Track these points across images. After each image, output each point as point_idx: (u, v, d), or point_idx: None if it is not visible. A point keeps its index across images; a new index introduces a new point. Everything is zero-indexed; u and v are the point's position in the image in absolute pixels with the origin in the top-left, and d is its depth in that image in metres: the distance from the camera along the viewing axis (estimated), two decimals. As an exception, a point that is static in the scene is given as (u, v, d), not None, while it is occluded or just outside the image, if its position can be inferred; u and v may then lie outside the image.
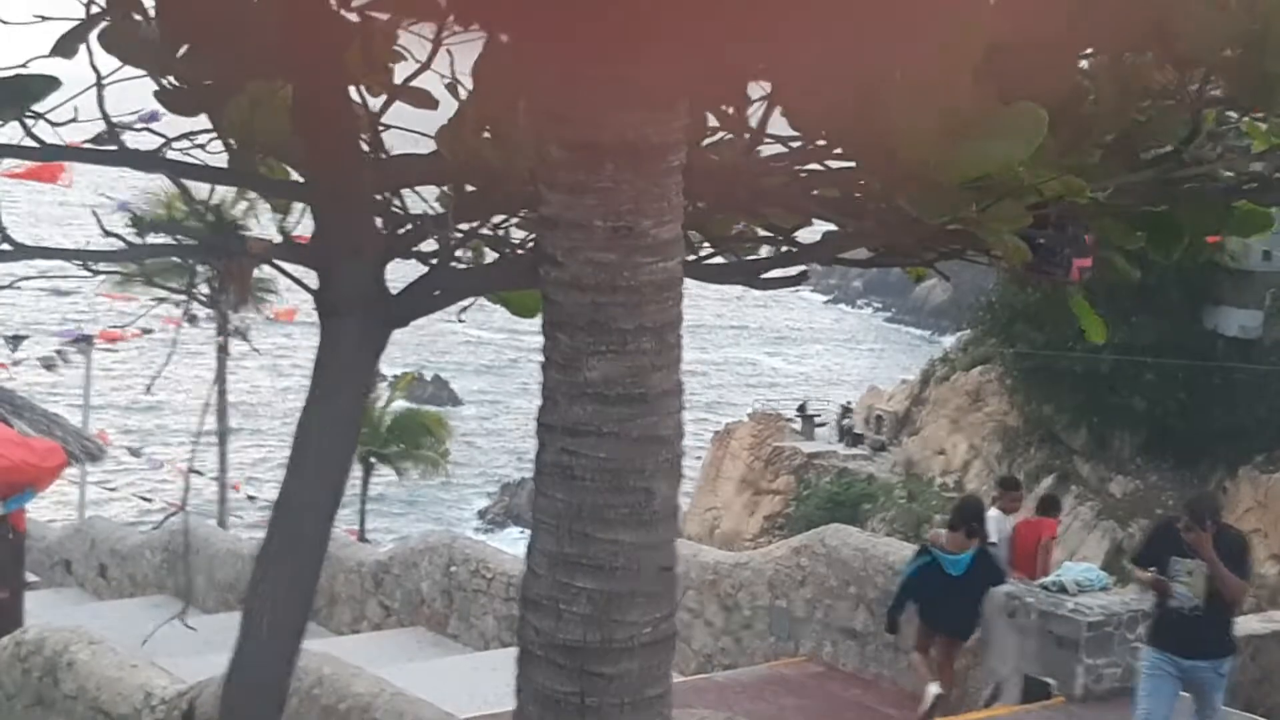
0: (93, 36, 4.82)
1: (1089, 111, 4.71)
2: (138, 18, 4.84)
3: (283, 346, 69.77)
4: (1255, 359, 37.53)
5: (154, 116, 5.25)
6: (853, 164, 5.07)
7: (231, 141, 5.28)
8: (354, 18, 4.85)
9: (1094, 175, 4.90)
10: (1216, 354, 37.84)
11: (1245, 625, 12.41)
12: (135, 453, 30.84)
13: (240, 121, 5.24)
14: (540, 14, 3.82)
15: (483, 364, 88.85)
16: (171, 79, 4.98)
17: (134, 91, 5.25)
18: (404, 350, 69.45)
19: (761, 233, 5.83)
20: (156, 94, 4.99)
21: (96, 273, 6.04)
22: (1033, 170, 4.64)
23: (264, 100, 5.25)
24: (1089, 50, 4.85)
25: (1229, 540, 9.42)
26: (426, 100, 5.15)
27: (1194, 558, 9.04)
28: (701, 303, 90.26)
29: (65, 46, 4.69)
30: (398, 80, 5.19)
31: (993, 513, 12.87)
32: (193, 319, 24.77)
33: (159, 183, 23.13)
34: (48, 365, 28.89)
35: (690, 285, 5.27)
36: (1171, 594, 9.15)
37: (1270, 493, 36.52)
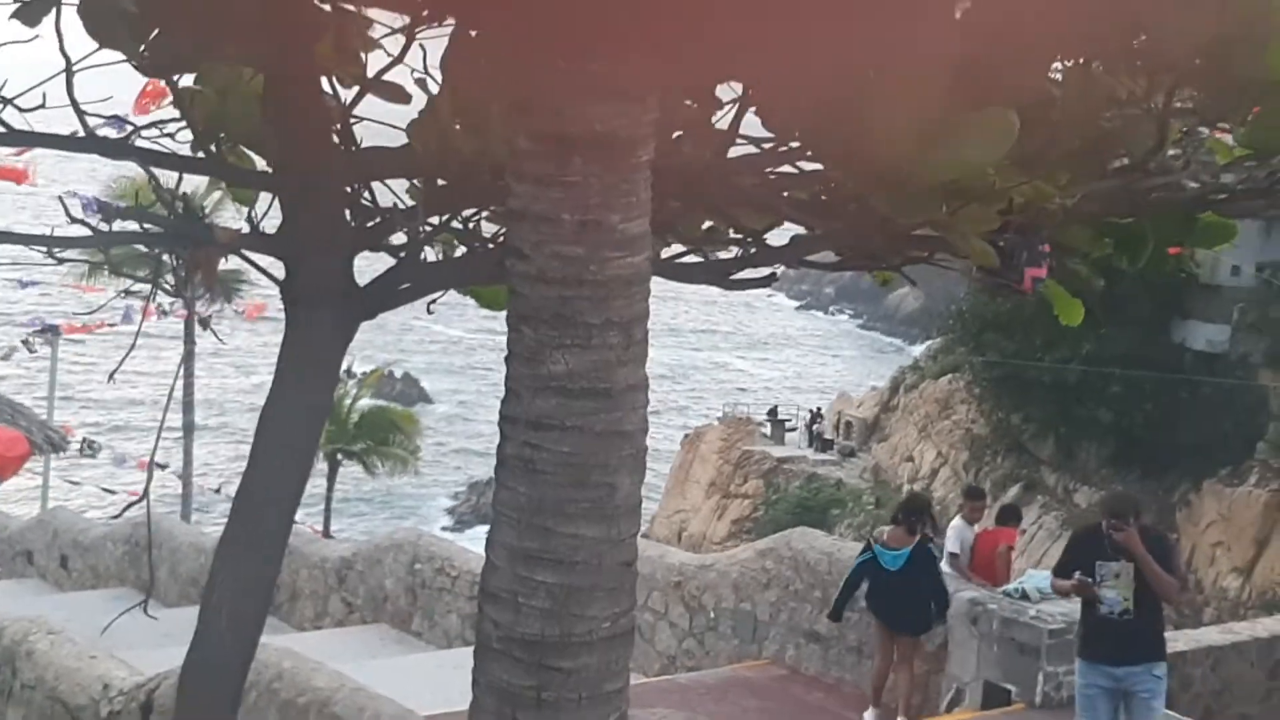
0: (62, 22, 4.80)
1: (1057, 119, 4.72)
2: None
3: (252, 343, 69.48)
4: (1222, 373, 37.75)
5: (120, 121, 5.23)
6: (824, 166, 5.07)
7: (200, 130, 5.27)
8: (327, 8, 4.84)
9: (1061, 183, 4.92)
10: (1184, 367, 38.06)
11: (1205, 637, 12.49)
12: (91, 446, 30.47)
13: (210, 111, 5.22)
14: (511, 7, 3.81)
15: (457, 362, 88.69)
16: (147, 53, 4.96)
17: (104, 80, 5.23)
18: (377, 347, 69.29)
19: (731, 234, 5.83)
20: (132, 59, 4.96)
21: (62, 260, 6.00)
22: (1002, 175, 4.66)
23: (234, 89, 5.24)
24: (1059, 58, 4.87)
25: (1154, 540, 9.22)
26: (398, 94, 5.14)
27: (1119, 561, 8.84)
28: (675, 306, 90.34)
29: (28, 13, 4.65)
30: (370, 72, 5.17)
31: (956, 522, 12.94)
32: (162, 311, 24.67)
33: (125, 182, 23.06)
34: (4, 356, 28.82)
35: (666, 288, 5.28)
36: (1099, 599, 8.94)
37: (1234, 506, 36.72)
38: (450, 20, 4.70)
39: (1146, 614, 8.98)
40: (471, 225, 5.61)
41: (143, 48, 4.88)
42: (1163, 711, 9.20)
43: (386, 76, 5.13)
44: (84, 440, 30.77)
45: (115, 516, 18.57)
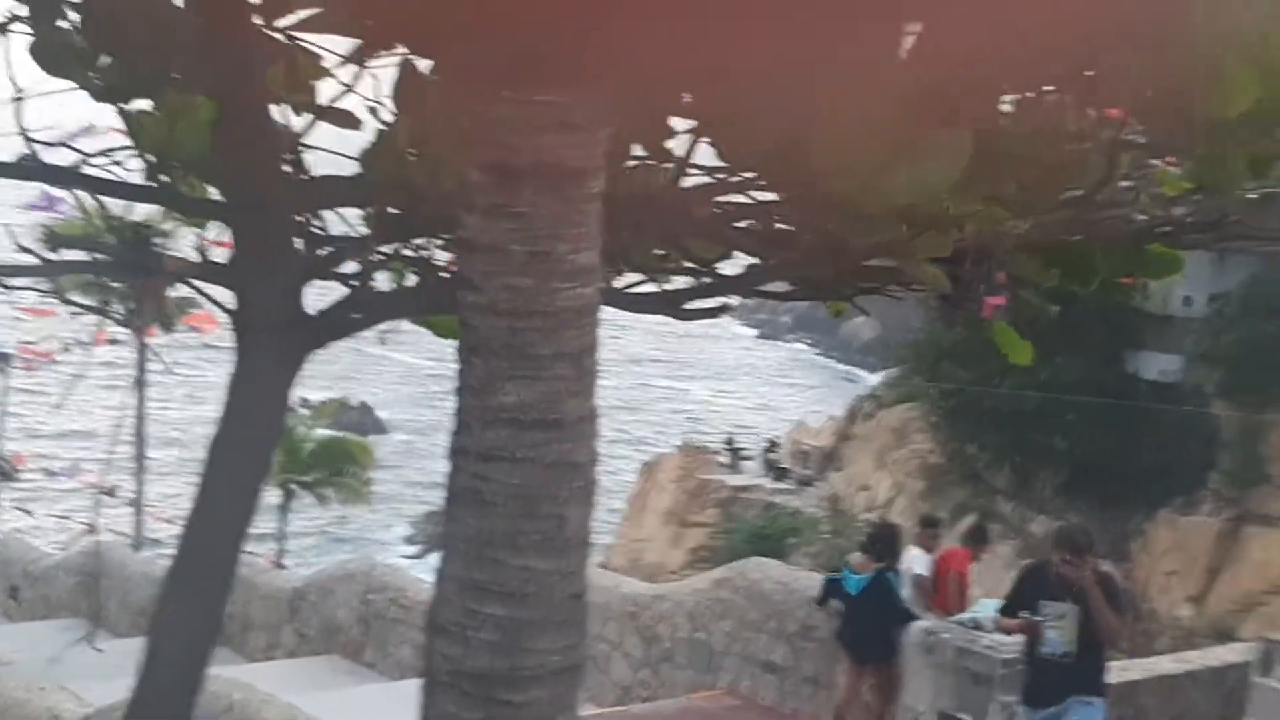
0: (10, 49, 4.77)
1: (1008, 150, 4.75)
2: (63, 25, 4.80)
3: (203, 371, 69.04)
4: (1174, 403, 38.05)
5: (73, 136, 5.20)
6: (777, 195, 5.08)
7: (150, 158, 5.24)
8: (279, 37, 4.82)
9: (1013, 213, 4.95)
10: (1137, 397, 38.33)
11: (1159, 666, 12.55)
12: (49, 472, 30.26)
13: (160, 139, 5.19)
14: (460, 37, 3.80)
15: (413, 390, 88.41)
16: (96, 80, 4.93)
17: (52, 107, 5.20)
18: (331, 376, 68.98)
19: (684, 264, 5.83)
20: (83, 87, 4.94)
21: (9, 287, 5.95)
22: (956, 200, 4.68)
23: (184, 117, 5.21)
24: (1010, 90, 4.90)
25: (1102, 578, 9.05)
26: (350, 120, 5.13)
27: (1065, 601, 8.70)
28: (632, 335, 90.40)
29: None
30: (322, 100, 5.16)
31: (914, 550, 13.00)
32: (113, 340, 24.50)
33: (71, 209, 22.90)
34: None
35: (624, 318, 5.28)
36: (1042, 639, 8.81)
37: (1187, 535, 37.01)
38: (401, 49, 4.70)
39: (1088, 656, 8.85)
40: (423, 254, 5.59)
41: (93, 75, 4.87)
42: None
43: (339, 104, 5.12)
44: (42, 469, 30.56)
45: (64, 548, 18.41)
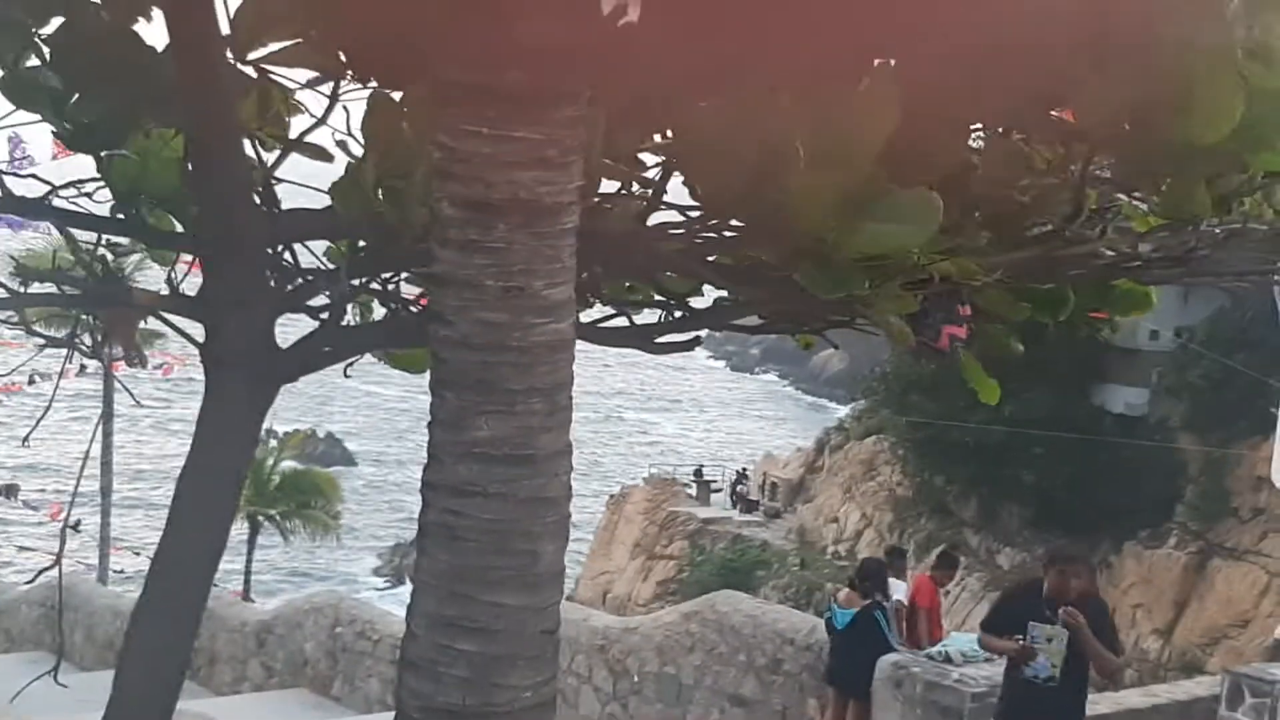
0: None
1: (976, 187, 4.78)
2: (36, 63, 4.79)
3: (168, 400, 68.65)
4: (1141, 436, 38.29)
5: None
6: (746, 237, 5.10)
7: (120, 190, 5.23)
8: (250, 70, 4.82)
9: (980, 250, 4.98)
10: (1103, 430, 38.54)
11: (1127, 699, 12.57)
12: (8, 493, 29.99)
13: (129, 172, 5.18)
14: (432, 70, 3.82)
15: (381, 422, 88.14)
16: (67, 124, 4.93)
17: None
18: (297, 409, 68.74)
19: (655, 297, 5.85)
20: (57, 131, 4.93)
21: (-25, 320, 5.92)
22: (925, 250, 4.71)
23: (154, 150, 5.21)
24: (978, 126, 4.94)
25: (1096, 608, 8.76)
26: (322, 153, 5.13)
27: (1054, 625, 8.36)
28: (598, 367, 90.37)
29: None
30: (293, 133, 5.16)
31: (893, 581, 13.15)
32: (81, 369, 24.33)
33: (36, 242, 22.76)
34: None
35: (589, 350, 5.28)
36: (1030, 662, 8.43)
37: (1154, 568, 37.16)
38: (373, 83, 4.71)
39: (1072, 683, 8.55)
40: (391, 287, 5.59)
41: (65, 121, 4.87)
42: None
43: (311, 137, 5.12)
44: (9, 486, 30.30)
45: (29, 582, 18.23)
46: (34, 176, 5.27)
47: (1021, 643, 8.45)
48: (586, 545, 53.41)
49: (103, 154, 5.17)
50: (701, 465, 59.15)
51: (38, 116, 4.92)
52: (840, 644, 11.68)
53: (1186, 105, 4.18)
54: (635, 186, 5.14)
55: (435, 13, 3.82)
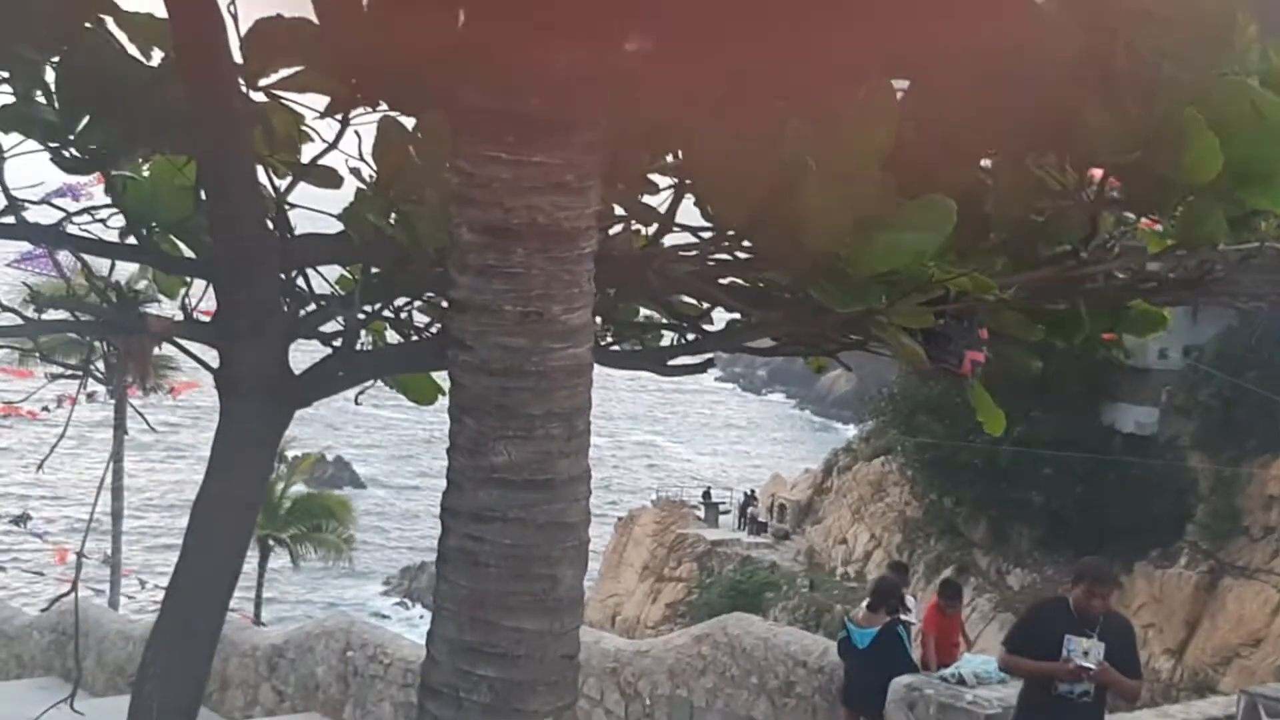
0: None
1: (990, 210, 4.79)
2: (38, 95, 4.81)
3: (178, 426, 68.70)
4: (1151, 455, 38.16)
5: (60, 193, 5.20)
6: (760, 256, 5.11)
7: (133, 217, 5.24)
8: (261, 97, 4.84)
9: (996, 272, 4.98)
10: (1113, 449, 38.42)
11: (1140, 719, 12.51)
12: (20, 521, 30.01)
13: (142, 199, 5.20)
14: (446, 95, 3.83)
15: (388, 445, 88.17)
16: (73, 151, 4.94)
17: (31, 165, 5.19)
18: (310, 431, 68.74)
19: (668, 320, 5.86)
20: (54, 159, 4.95)
21: (-9, 347, 5.93)
22: (939, 266, 4.71)
23: (166, 178, 5.22)
24: (991, 151, 4.94)
25: (1120, 626, 8.57)
26: (331, 179, 5.13)
27: (1090, 637, 8.07)
28: (607, 388, 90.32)
29: None
30: (305, 157, 5.17)
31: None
32: (91, 396, 24.37)
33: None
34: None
35: (597, 370, 5.28)
36: (1080, 679, 8.06)
37: (1165, 587, 37.00)
38: (383, 107, 4.72)
39: (1101, 698, 8.35)
40: (404, 314, 5.59)
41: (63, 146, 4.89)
42: None
43: (322, 162, 5.13)
44: (21, 515, 30.32)
45: (44, 609, 18.23)
46: (48, 203, 5.28)
47: (1069, 661, 8.11)
48: (595, 567, 53.35)
49: (114, 174, 5.19)
50: (709, 488, 59.04)
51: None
52: (860, 663, 11.56)
53: (1179, 145, 4.21)
54: (648, 209, 5.15)
55: (454, 40, 3.83)
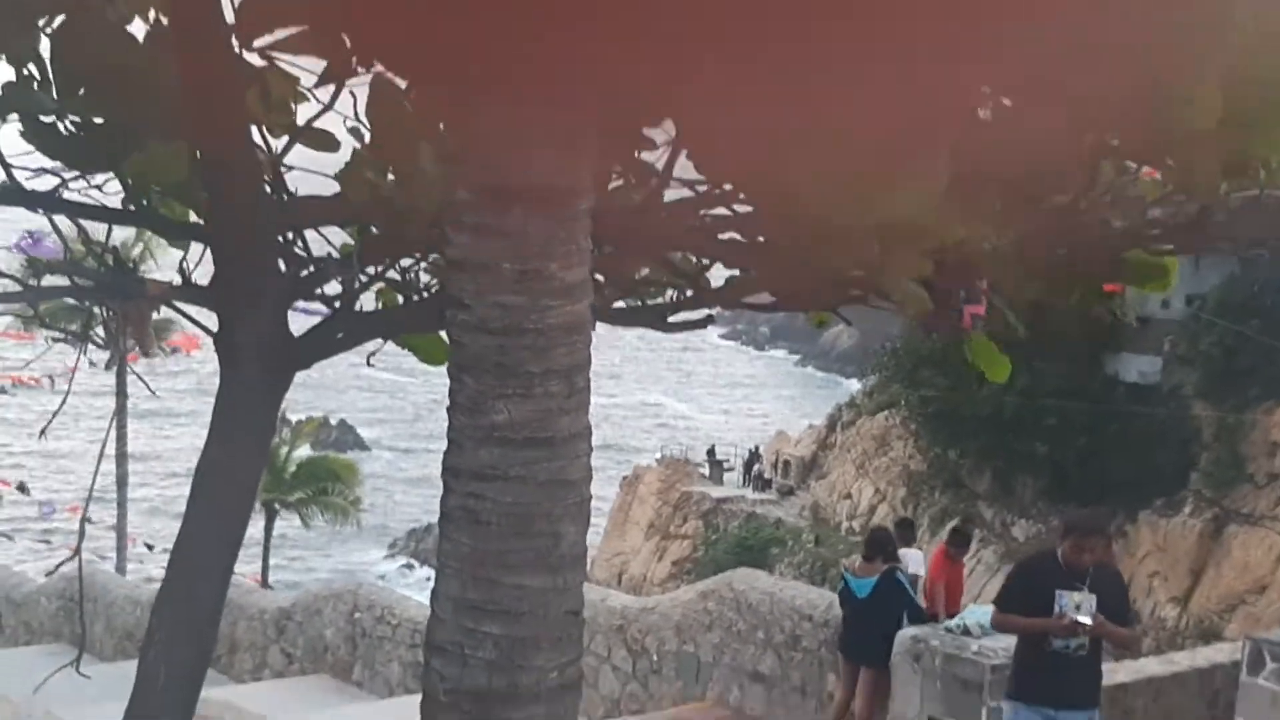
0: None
1: (987, 160, 4.76)
2: (32, 70, 4.78)
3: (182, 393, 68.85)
4: (1154, 404, 38.21)
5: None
6: (756, 211, 5.09)
7: (130, 182, 5.22)
8: (256, 58, 4.81)
9: (993, 223, 4.96)
10: (1116, 400, 38.47)
11: (1146, 668, 12.57)
12: (24, 489, 30.16)
13: (139, 163, 5.18)
14: (443, 55, 3.80)
15: (392, 406, 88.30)
16: (70, 123, 4.92)
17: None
18: (315, 394, 68.85)
19: (667, 277, 5.85)
20: (48, 150, 4.92)
21: (-9, 314, 5.94)
22: (937, 219, 4.69)
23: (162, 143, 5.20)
24: (987, 100, 4.91)
25: (1110, 576, 8.50)
26: (328, 142, 5.11)
27: (1081, 590, 8.00)
28: (615, 347, 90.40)
29: None
30: (301, 120, 5.15)
31: (907, 551, 13.32)
32: (91, 363, 24.42)
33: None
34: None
35: (599, 328, 5.28)
36: (1075, 633, 8.03)
37: (1169, 536, 37.12)
38: (378, 67, 4.69)
39: (1097, 651, 8.31)
40: (408, 276, 5.59)
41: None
42: None
43: (319, 124, 5.10)
44: (19, 484, 30.46)
45: (49, 574, 18.30)
46: (44, 170, 5.27)
47: (1063, 617, 8.06)
48: (601, 526, 53.53)
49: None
50: (714, 445, 59.15)
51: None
52: (860, 613, 11.64)
53: (1178, 93, 4.18)
54: (645, 165, 5.12)
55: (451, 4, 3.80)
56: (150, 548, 28.75)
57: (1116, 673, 12.02)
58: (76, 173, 5.21)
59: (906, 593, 11.80)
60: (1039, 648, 8.27)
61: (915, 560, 13.31)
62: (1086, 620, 8.04)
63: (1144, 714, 11.72)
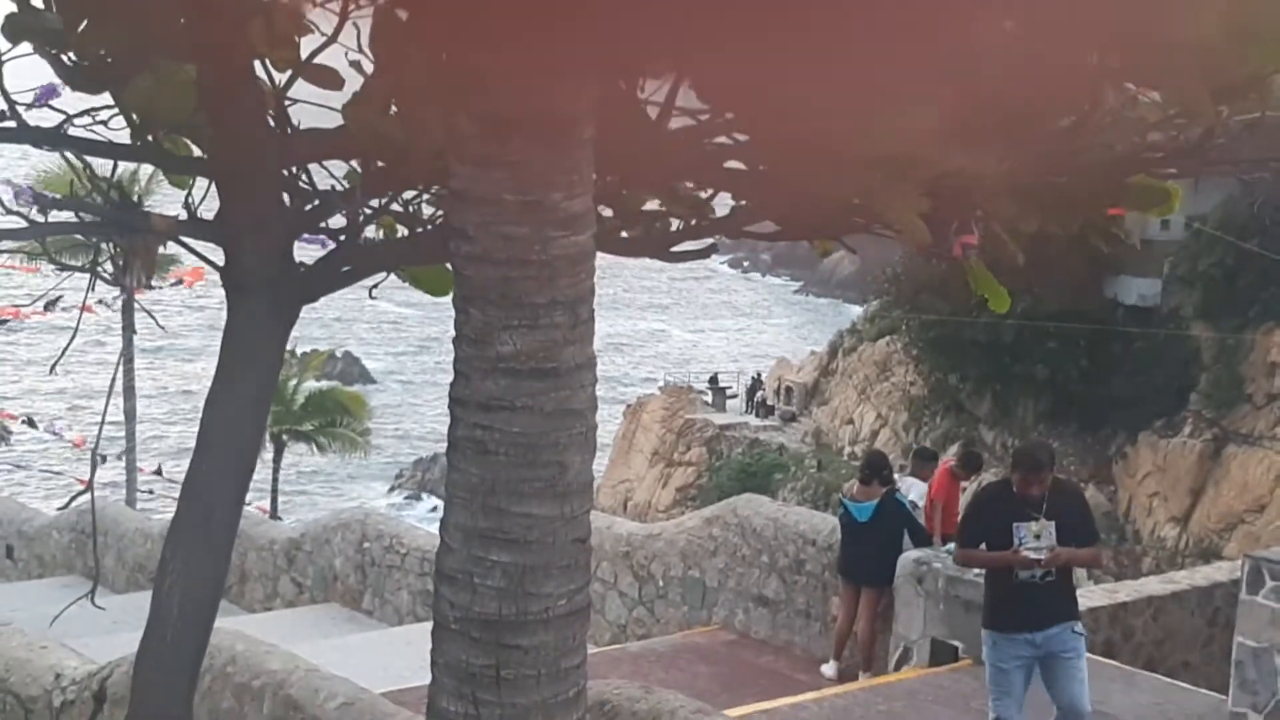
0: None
1: (986, 85, 4.76)
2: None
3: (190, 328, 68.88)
4: (1154, 326, 38.20)
5: (52, 92, 5.18)
6: (755, 141, 5.10)
7: (134, 117, 5.23)
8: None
9: (993, 149, 4.96)
10: (1116, 322, 38.46)
11: (1146, 587, 12.69)
12: (31, 422, 30.20)
13: (143, 98, 5.18)
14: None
15: (396, 339, 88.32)
16: (73, 55, 4.92)
17: (32, 68, 5.18)
18: (322, 328, 68.83)
19: (672, 206, 5.85)
20: (58, 71, 4.93)
21: (-1, 251, 5.96)
22: (937, 148, 4.69)
23: (167, 77, 5.20)
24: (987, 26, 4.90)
25: (1069, 496, 8.51)
26: (331, 78, 5.11)
27: (1038, 520, 8.01)
28: (612, 275, 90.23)
29: None
30: (304, 54, 5.14)
31: (909, 480, 13.41)
32: (100, 301, 24.42)
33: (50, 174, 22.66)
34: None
35: (603, 260, 5.31)
36: (1030, 566, 8.04)
37: (1169, 457, 37.24)
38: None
39: (1064, 573, 8.34)
40: (412, 208, 5.60)
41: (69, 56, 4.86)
42: (1085, 669, 8.46)
43: (322, 56, 5.10)
44: (25, 418, 30.51)
45: (61, 508, 18.40)
46: (49, 106, 5.27)
47: (1018, 550, 8.09)
48: (605, 454, 53.69)
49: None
50: (716, 373, 59.20)
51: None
52: (860, 536, 11.71)
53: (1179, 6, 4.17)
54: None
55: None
56: (159, 472, 28.55)
57: (1118, 592, 12.16)
58: (83, 108, 5.22)
59: (908, 514, 11.92)
60: (1007, 579, 8.30)
61: (918, 490, 13.38)
62: (1039, 556, 8.07)
63: (1144, 632, 11.85)
